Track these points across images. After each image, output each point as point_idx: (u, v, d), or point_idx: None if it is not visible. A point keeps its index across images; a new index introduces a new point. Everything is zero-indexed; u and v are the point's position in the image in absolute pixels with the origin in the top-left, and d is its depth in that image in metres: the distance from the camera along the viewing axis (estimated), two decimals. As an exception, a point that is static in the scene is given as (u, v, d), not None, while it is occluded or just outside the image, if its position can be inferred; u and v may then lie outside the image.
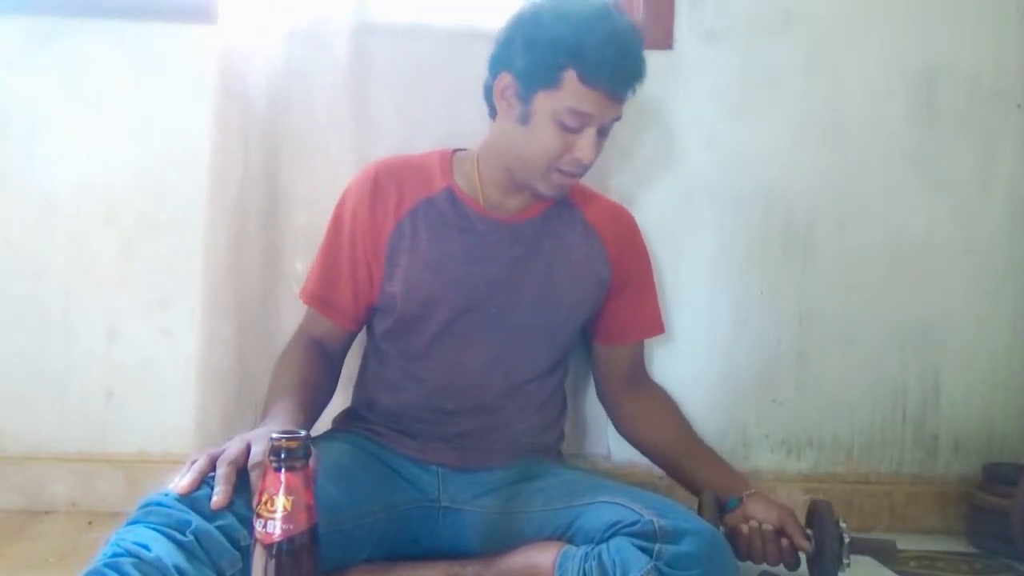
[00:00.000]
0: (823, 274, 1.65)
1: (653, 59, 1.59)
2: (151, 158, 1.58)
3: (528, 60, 1.19)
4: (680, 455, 1.40)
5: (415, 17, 1.58)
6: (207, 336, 1.49)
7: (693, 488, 1.36)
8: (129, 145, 1.58)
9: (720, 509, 1.27)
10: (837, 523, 1.24)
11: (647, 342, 1.49)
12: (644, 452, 1.45)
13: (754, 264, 1.64)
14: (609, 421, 1.50)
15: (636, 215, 1.46)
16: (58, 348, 1.58)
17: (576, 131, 1.19)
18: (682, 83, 1.62)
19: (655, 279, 1.46)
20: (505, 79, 1.22)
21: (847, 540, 1.22)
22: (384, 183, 1.29)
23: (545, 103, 1.19)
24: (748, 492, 1.29)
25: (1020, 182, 1.67)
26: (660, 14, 1.61)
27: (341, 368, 1.36)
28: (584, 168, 1.24)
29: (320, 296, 1.32)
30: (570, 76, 1.16)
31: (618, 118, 1.24)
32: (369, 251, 1.28)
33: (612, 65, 1.17)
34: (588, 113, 1.18)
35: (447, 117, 1.52)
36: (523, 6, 1.24)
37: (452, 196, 1.29)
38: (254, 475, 0.95)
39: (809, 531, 1.25)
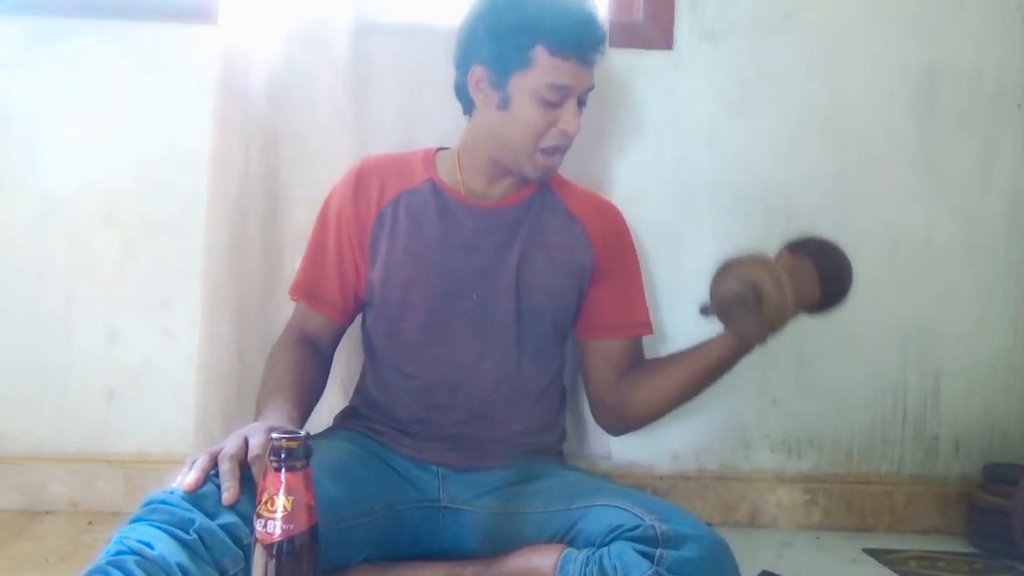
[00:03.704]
0: (823, 274, 1.65)
1: (653, 59, 1.62)
2: (151, 158, 1.58)
3: (496, 47, 1.22)
4: (662, 377, 1.31)
5: (415, 17, 1.58)
6: (207, 336, 1.50)
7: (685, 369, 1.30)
8: (129, 145, 1.58)
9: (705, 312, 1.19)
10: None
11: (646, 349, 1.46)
12: (642, 418, 1.34)
13: (754, 264, 1.64)
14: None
15: (637, 215, 1.46)
16: (59, 348, 1.58)
17: (558, 105, 1.22)
18: (682, 83, 1.62)
19: (644, 281, 1.40)
20: (477, 71, 1.25)
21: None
22: (367, 178, 1.33)
23: (522, 84, 1.22)
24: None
25: (1020, 182, 1.67)
26: (660, 14, 1.62)
27: (331, 362, 1.37)
28: (569, 140, 1.26)
29: (308, 290, 1.34)
30: (540, 52, 1.20)
31: (592, 87, 1.26)
32: (354, 244, 1.31)
33: (577, 33, 1.21)
34: (566, 84, 1.21)
35: (447, 117, 1.51)
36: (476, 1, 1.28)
37: (434, 186, 1.32)
38: (255, 469, 0.95)
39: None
